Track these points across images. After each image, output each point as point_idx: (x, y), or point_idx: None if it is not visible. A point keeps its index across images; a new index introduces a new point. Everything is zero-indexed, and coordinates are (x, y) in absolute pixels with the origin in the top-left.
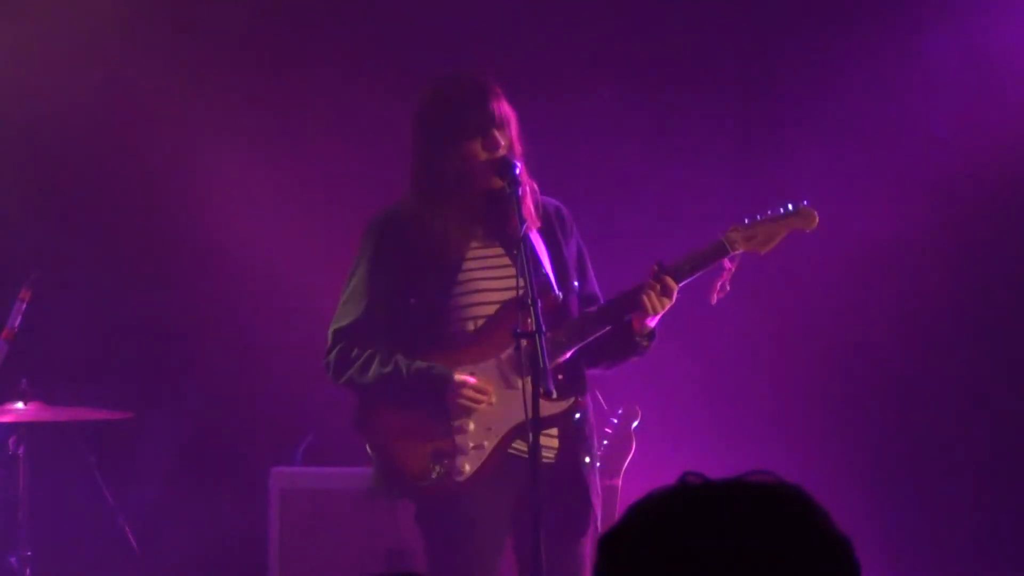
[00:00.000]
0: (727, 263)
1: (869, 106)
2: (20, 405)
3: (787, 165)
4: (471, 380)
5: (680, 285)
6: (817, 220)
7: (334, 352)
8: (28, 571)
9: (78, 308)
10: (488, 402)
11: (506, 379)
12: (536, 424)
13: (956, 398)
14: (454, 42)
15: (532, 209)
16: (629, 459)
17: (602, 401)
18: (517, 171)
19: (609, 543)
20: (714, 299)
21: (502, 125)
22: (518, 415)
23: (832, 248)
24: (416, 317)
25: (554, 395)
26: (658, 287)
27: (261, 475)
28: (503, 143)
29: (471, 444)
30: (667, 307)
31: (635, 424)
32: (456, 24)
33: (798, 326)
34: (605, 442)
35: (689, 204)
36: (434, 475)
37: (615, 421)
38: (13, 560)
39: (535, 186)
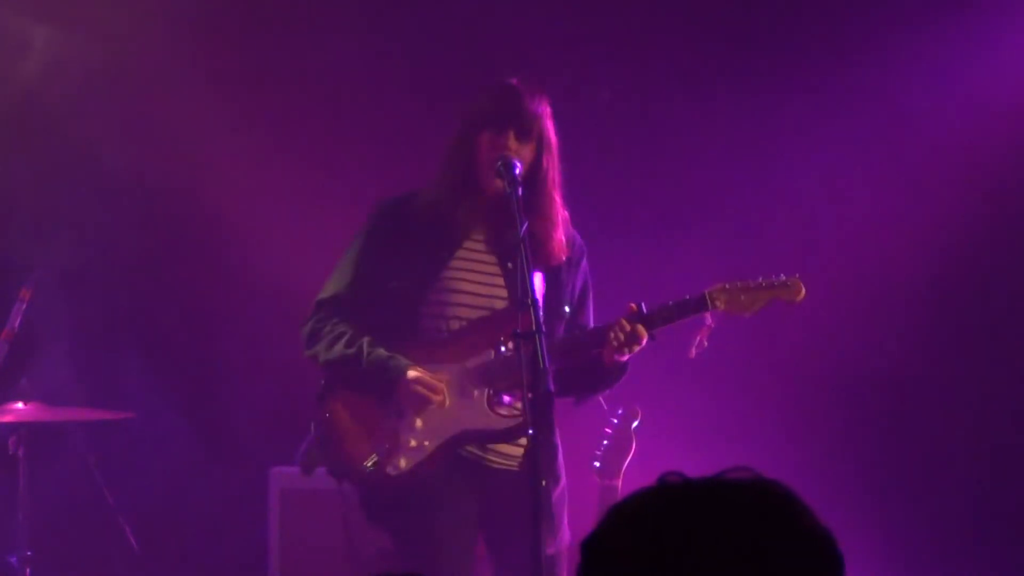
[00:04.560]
0: (708, 319)
1: (875, 114)
2: (20, 405)
3: (788, 169)
4: (425, 378)
5: (652, 332)
6: (803, 294)
7: (310, 322)
8: (28, 571)
9: (78, 308)
10: (440, 404)
11: (463, 387)
12: (536, 427)
13: (953, 398)
14: (456, 44)
15: (561, 239)
16: (629, 459)
17: (602, 401)
18: (517, 171)
19: (591, 545)
20: (692, 353)
21: (523, 134)
22: (465, 424)
23: (832, 250)
24: (392, 303)
25: (553, 394)
26: (629, 330)
27: (261, 475)
28: (513, 147)
29: (412, 442)
30: (636, 351)
31: (635, 424)
32: (459, 25)
33: (798, 326)
34: (605, 442)
35: (688, 209)
36: (368, 464)
37: (615, 421)
38: (13, 560)
39: (567, 216)
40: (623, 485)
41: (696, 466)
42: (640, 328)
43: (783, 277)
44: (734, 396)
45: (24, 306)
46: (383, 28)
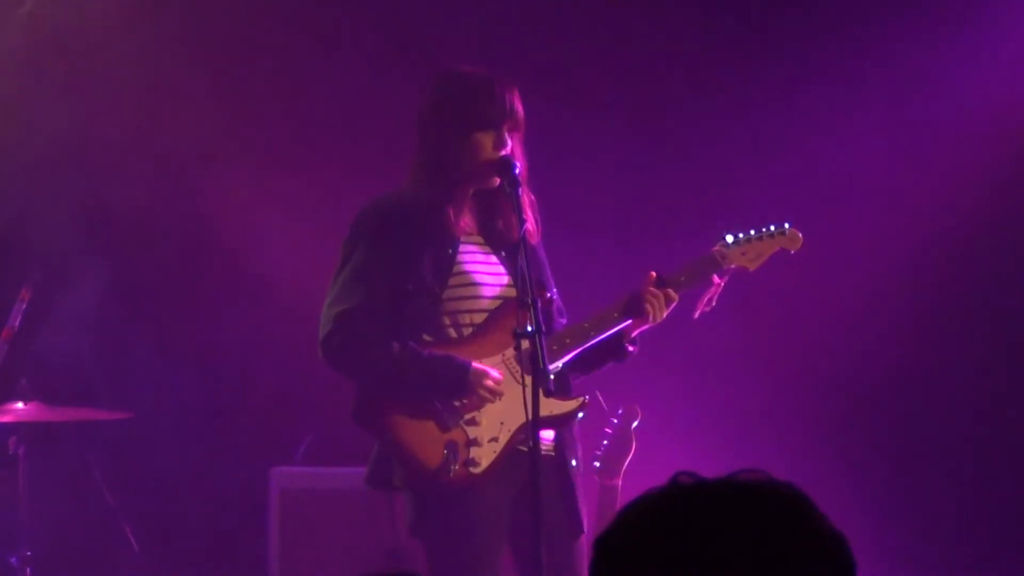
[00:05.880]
0: (716, 278)
1: (878, 115)
2: (20, 405)
3: (786, 165)
4: (492, 372)
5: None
6: (802, 241)
7: (340, 335)
8: (28, 571)
9: (79, 308)
10: (500, 397)
11: (514, 376)
12: (535, 424)
13: (953, 398)
14: (458, 48)
15: (533, 222)
16: (629, 459)
17: (602, 401)
18: (517, 171)
19: (603, 545)
20: (697, 313)
21: (514, 128)
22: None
23: (830, 250)
24: (415, 305)
25: (552, 394)
26: (662, 296)
27: (261, 475)
28: (510, 145)
29: (486, 438)
30: (666, 315)
31: (635, 424)
32: (462, 29)
33: (797, 326)
34: (605, 442)
35: (688, 204)
36: (454, 467)
37: (615, 421)
38: (13, 560)
39: (534, 199)
40: (623, 485)
41: (696, 465)
42: (670, 291)
43: (779, 227)
44: (734, 395)
45: (24, 306)
46: (387, 33)
